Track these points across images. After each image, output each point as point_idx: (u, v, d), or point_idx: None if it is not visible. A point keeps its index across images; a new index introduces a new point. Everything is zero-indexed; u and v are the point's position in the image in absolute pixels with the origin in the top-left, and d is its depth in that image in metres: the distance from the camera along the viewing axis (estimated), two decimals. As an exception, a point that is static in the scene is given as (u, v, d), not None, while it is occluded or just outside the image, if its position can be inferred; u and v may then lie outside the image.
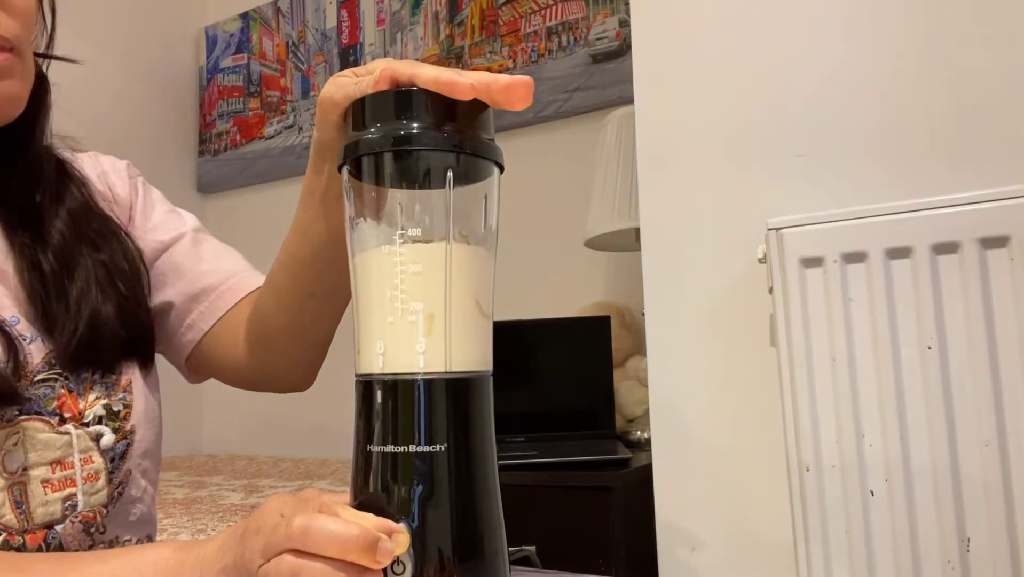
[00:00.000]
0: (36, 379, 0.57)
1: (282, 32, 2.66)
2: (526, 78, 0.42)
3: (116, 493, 0.61)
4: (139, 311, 0.65)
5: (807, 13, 1.05)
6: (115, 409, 0.61)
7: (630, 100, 1.22)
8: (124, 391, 0.62)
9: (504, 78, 0.42)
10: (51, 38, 0.64)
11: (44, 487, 0.56)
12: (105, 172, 0.71)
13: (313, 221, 0.58)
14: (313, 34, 2.58)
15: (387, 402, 0.41)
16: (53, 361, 0.59)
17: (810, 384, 0.91)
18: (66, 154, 0.69)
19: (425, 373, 0.40)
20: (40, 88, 0.61)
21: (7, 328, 0.56)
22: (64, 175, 0.66)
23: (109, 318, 0.60)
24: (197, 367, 0.73)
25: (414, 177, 0.43)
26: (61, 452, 0.57)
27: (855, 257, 0.90)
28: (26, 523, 0.55)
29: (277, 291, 0.64)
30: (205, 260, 0.70)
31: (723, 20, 1.10)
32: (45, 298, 0.59)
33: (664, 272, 1.13)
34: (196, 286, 0.69)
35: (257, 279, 0.70)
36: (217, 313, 0.69)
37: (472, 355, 0.42)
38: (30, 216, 0.61)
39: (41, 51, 0.63)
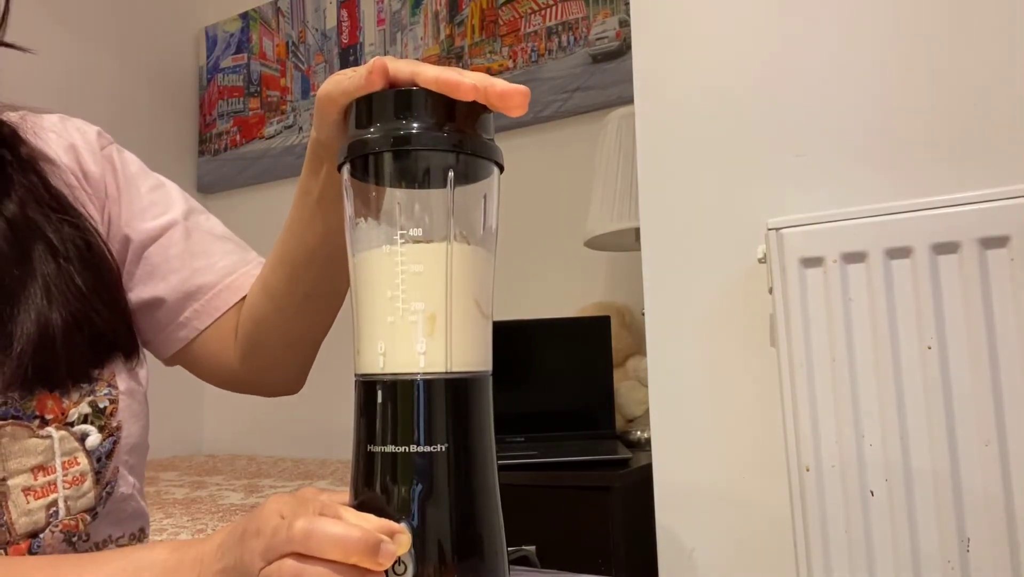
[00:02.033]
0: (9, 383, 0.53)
1: (282, 32, 2.66)
2: (523, 88, 0.42)
3: (105, 493, 0.58)
4: (107, 309, 0.60)
5: (807, 13, 1.05)
6: (101, 406, 0.58)
7: (630, 100, 1.22)
8: (109, 385, 0.59)
9: (501, 84, 0.41)
10: (2, 22, 0.59)
11: (26, 495, 0.53)
12: (75, 146, 0.65)
13: (309, 222, 0.57)
14: (313, 34, 2.58)
15: (388, 402, 0.41)
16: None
17: (810, 384, 0.91)
18: (28, 120, 0.63)
19: (426, 373, 0.40)
20: None
21: None
22: (13, 163, 0.59)
23: (62, 330, 0.55)
24: (182, 362, 0.70)
25: (415, 177, 0.43)
26: (43, 457, 0.54)
27: (855, 257, 0.90)
28: (8, 535, 0.53)
29: (272, 293, 0.63)
30: (199, 254, 0.67)
31: (723, 20, 1.10)
32: None
33: (664, 272, 1.13)
34: (192, 283, 0.66)
35: (252, 276, 0.67)
36: (214, 313, 0.66)
37: (472, 355, 0.42)
38: None
39: None
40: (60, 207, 0.60)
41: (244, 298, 0.67)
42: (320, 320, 0.65)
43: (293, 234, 0.59)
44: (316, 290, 0.62)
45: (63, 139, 0.65)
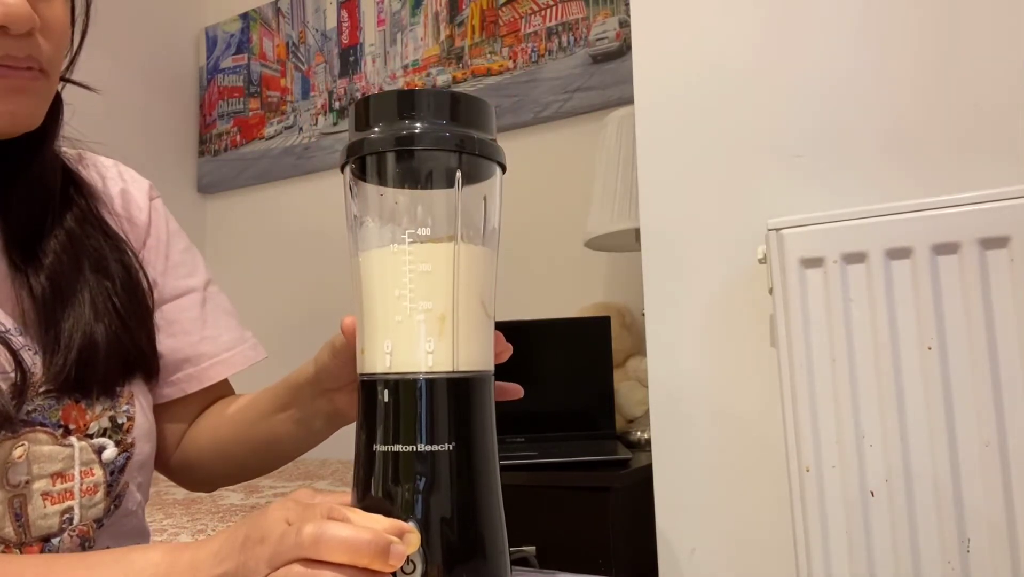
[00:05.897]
0: (41, 390, 0.56)
1: (282, 32, 2.65)
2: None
3: (113, 506, 0.60)
4: (138, 330, 0.64)
5: (807, 15, 1.05)
6: (120, 421, 0.61)
7: (630, 100, 1.22)
8: (127, 404, 0.62)
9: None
10: (73, 60, 0.63)
11: (44, 500, 0.55)
12: (127, 191, 0.71)
13: (268, 416, 0.66)
14: (313, 34, 2.58)
15: (394, 401, 0.41)
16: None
17: (810, 384, 0.91)
18: (86, 159, 0.68)
19: (433, 372, 0.40)
20: (53, 106, 0.60)
21: (10, 337, 0.56)
22: (72, 186, 0.65)
23: (103, 343, 0.59)
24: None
25: (424, 177, 0.43)
26: (63, 465, 0.56)
27: (855, 257, 0.90)
28: (24, 536, 0.54)
29: (215, 427, 0.71)
30: (210, 324, 0.72)
31: (723, 21, 1.10)
32: (36, 323, 0.58)
33: (664, 272, 1.13)
34: (195, 349, 0.71)
35: (247, 356, 0.73)
36: (204, 381, 0.71)
37: (477, 354, 0.42)
38: (28, 235, 0.60)
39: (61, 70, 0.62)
40: (106, 232, 0.65)
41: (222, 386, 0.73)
42: (237, 478, 0.74)
43: (255, 406, 0.67)
44: (244, 464, 0.71)
45: (117, 183, 0.71)
